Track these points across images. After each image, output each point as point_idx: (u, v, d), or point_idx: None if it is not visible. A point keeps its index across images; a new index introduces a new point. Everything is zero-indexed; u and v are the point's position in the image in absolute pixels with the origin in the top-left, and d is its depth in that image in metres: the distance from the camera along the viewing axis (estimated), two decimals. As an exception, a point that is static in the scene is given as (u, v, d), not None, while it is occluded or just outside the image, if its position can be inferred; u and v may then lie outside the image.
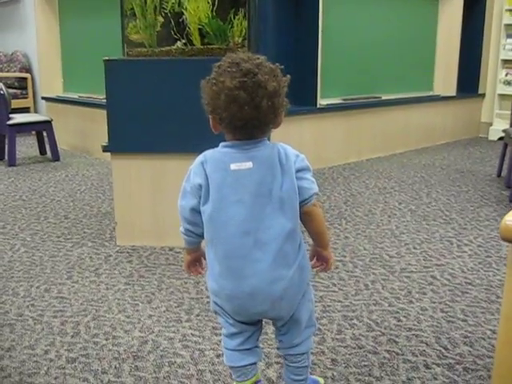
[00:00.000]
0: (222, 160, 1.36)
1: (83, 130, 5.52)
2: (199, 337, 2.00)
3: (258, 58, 1.34)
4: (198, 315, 2.17)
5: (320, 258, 1.53)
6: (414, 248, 2.87)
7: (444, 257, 2.75)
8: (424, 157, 5.31)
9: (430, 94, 5.93)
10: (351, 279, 2.49)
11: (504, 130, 4.29)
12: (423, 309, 2.21)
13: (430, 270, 2.59)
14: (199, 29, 2.80)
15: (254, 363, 1.51)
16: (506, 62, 6.12)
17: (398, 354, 1.89)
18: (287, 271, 1.37)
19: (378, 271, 2.58)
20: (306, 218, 1.43)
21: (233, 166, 1.34)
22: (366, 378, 1.75)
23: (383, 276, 2.53)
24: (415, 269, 2.60)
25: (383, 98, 5.36)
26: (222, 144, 1.40)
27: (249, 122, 1.32)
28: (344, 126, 4.98)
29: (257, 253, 1.35)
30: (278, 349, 1.57)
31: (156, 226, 2.91)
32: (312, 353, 1.85)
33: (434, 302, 2.26)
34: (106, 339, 1.99)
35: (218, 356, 1.87)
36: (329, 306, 2.23)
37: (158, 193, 2.87)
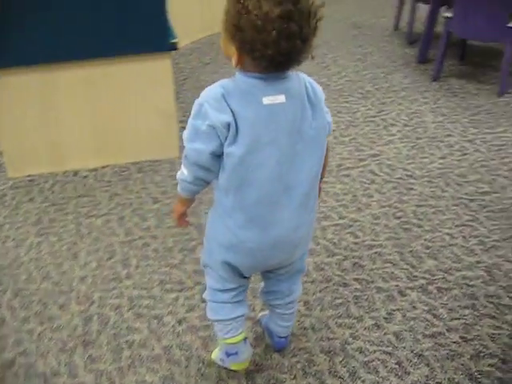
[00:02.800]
0: (251, 93, 1.11)
1: None
2: (149, 298, 1.76)
3: None
4: (137, 266, 1.90)
5: None
6: (342, 136, 2.70)
7: (375, 144, 2.62)
8: (314, 9, 4.96)
9: None
10: (290, 188, 2.30)
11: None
12: (375, 217, 2.10)
13: (367, 163, 2.46)
14: None
15: (243, 315, 1.40)
16: None
17: (368, 281, 1.79)
18: (308, 216, 1.27)
19: (315, 172, 2.40)
20: None
21: (266, 100, 1.11)
22: (347, 321, 1.64)
23: (322, 178, 2.36)
24: (351, 164, 2.46)
25: None
26: (243, 74, 1.12)
27: (293, 56, 1.08)
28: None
29: (284, 198, 1.19)
30: (269, 300, 1.44)
31: (52, 149, 2.45)
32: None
33: (384, 207, 2.16)
34: (41, 323, 1.68)
35: (180, 322, 1.66)
36: (278, 229, 2.05)
37: (49, 111, 2.36)
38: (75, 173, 2.47)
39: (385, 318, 1.65)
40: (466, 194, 2.22)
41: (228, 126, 1.10)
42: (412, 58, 3.65)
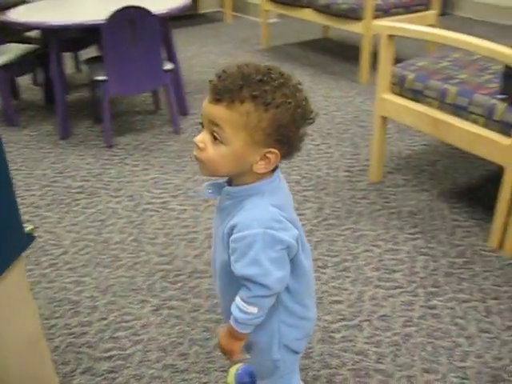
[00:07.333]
0: (286, 196, 1.12)
1: None
2: None
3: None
4: None
5: None
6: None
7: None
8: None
9: None
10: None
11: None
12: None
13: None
14: None
15: None
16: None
17: None
18: None
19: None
20: None
21: (286, 190, 1.15)
22: None
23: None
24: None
25: None
26: (266, 181, 1.07)
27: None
28: None
29: None
30: None
31: None
32: None
33: (410, 326, 1.76)
34: None
35: None
36: None
37: None
38: None
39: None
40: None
41: (297, 237, 1.07)
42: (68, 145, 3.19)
